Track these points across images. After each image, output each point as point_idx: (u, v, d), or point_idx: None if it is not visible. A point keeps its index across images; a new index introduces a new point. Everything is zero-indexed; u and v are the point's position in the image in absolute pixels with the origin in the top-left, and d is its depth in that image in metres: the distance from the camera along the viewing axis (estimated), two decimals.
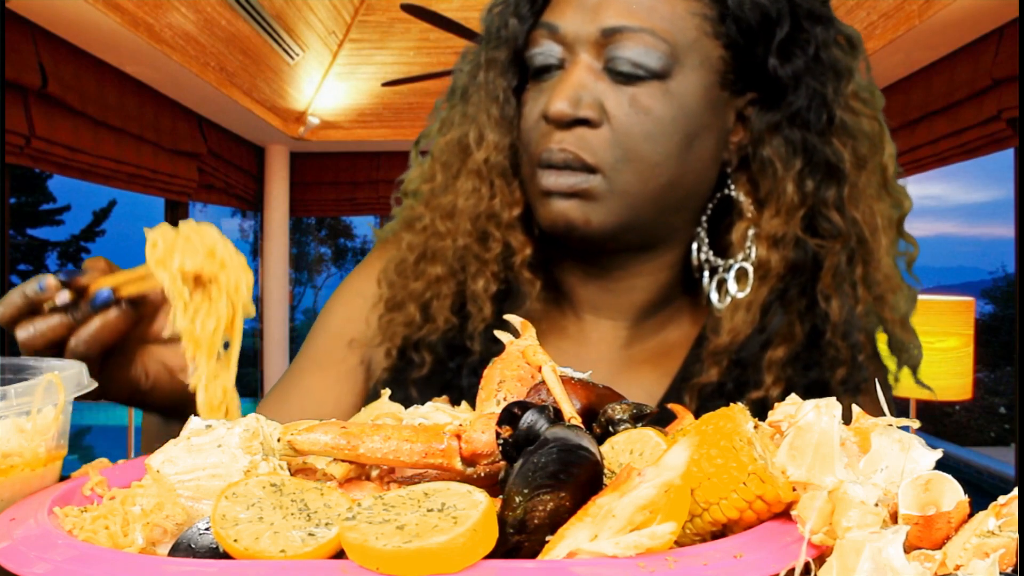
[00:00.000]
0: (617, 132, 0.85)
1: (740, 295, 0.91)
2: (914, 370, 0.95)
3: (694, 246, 0.95)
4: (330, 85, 5.79)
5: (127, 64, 3.81)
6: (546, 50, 0.89)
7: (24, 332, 0.76)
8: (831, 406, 0.50)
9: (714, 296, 0.93)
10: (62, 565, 0.45)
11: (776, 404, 0.55)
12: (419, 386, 0.95)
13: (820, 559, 0.45)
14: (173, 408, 0.86)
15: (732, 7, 0.87)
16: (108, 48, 3.55)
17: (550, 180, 0.86)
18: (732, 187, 0.93)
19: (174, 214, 5.21)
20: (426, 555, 0.41)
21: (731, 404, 0.86)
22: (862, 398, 0.90)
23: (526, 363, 0.60)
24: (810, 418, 0.49)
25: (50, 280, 0.76)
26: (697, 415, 0.69)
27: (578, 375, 0.64)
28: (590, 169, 0.85)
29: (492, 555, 0.43)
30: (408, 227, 1.01)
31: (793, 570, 0.44)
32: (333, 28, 5.02)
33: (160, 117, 4.37)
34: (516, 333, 0.64)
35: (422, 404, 0.83)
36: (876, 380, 0.92)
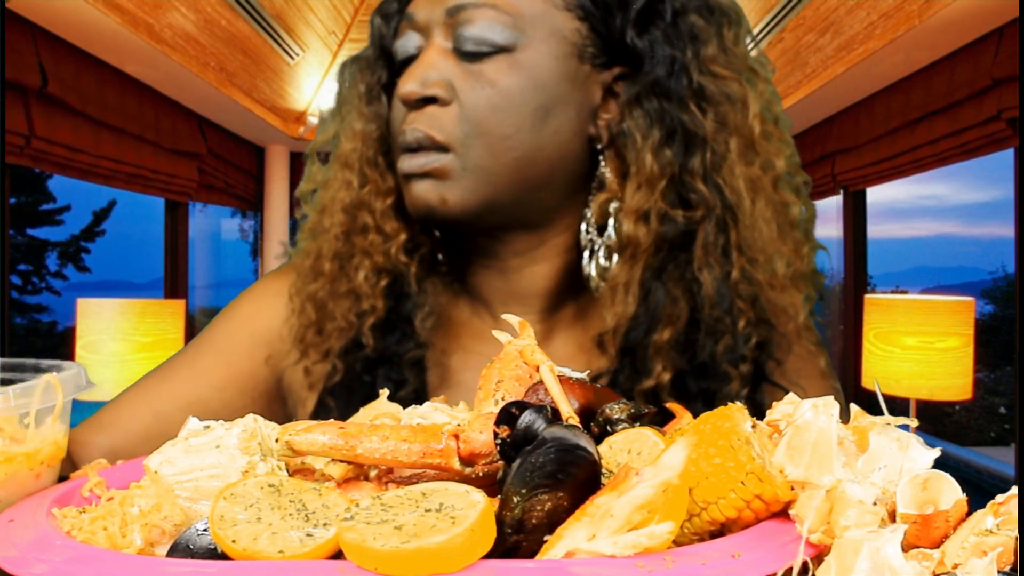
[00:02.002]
0: (465, 107, 0.86)
1: (609, 268, 0.90)
2: (797, 333, 0.92)
3: (583, 228, 0.94)
4: (330, 85, 5.78)
5: (127, 64, 3.81)
6: (406, 40, 0.91)
7: None
8: (829, 405, 0.50)
9: (592, 273, 0.92)
10: (60, 566, 0.45)
11: (775, 404, 0.55)
12: (335, 395, 0.93)
13: (818, 558, 0.45)
14: None
15: None
16: (108, 48, 3.55)
17: (405, 163, 0.87)
18: (603, 164, 0.93)
19: (174, 214, 5.20)
20: (424, 555, 0.41)
21: (623, 393, 0.85)
22: (774, 367, 0.90)
23: (524, 363, 0.60)
24: (808, 417, 0.49)
25: None
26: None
27: (576, 375, 0.64)
28: (441, 148, 0.86)
29: (490, 555, 0.43)
30: (302, 233, 1.02)
31: (791, 569, 0.44)
32: (333, 28, 5.02)
33: (160, 117, 4.36)
34: (515, 333, 0.64)
35: (340, 415, 0.82)
36: (790, 348, 0.89)
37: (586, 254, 0.93)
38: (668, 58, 0.89)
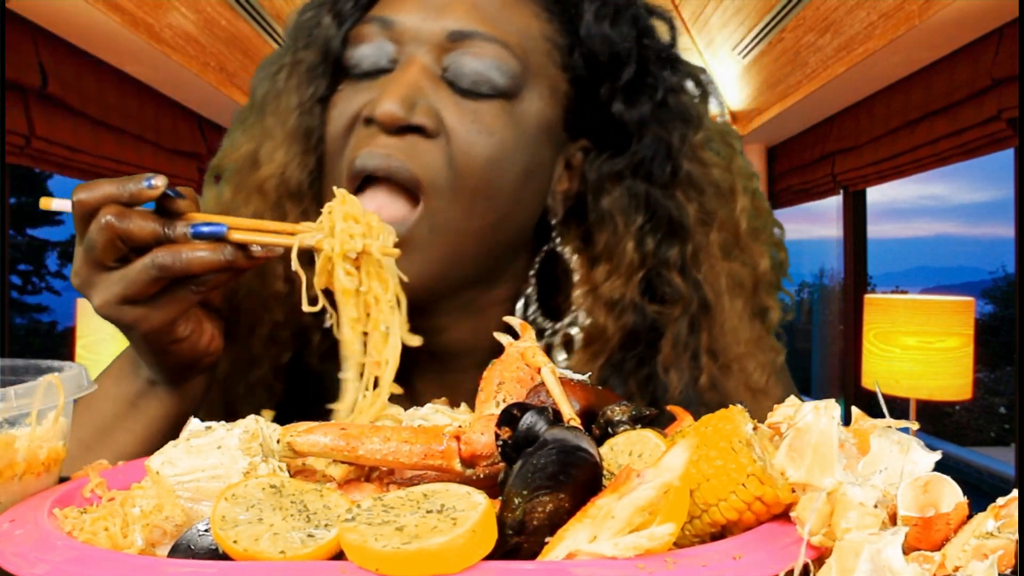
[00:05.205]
0: (457, 149, 0.75)
1: (566, 362, 0.82)
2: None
3: (519, 305, 0.86)
4: None
5: (127, 64, 3.81)
6: (377, 47, 0.78)
7: (115, 219, 0.66)
8: (830, 407, 0.50)
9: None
10: (61, 566, 0.45)
11: (776, 406, 0.55)
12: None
13: (819, 560, 0.45)
14: (177, 372, 0.76)
15: (583, 37, 0.80)
16: (108, 48, 3.54)
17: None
18: (558, 241, 0.84)
19: None
20: (425, 556, 0.41)
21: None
22: None
23: (525, 365, 0.60)
24: (809, 419, 0.49)
25: (161, 180, 0.67)
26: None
27: (577, 377, 0.64)
28: (414, 187, 0.75)
29: (491, 556, 0.43)
30: None
31: (792, 571, 0.44)
32: None
33: (160, 117, 4.36)
34: (516, 335, 0.64)
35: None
36: None
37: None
38: (656, 137, 0.82)
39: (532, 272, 0.86)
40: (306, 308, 0.73)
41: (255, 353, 0.84)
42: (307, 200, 0.83)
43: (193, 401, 0.76)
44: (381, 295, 0.72)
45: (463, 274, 0.80)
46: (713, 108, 0.90)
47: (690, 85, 0.87)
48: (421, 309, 0.81)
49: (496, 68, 0.75)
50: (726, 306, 0.82)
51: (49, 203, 0.73)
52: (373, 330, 0.72)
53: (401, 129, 0.75)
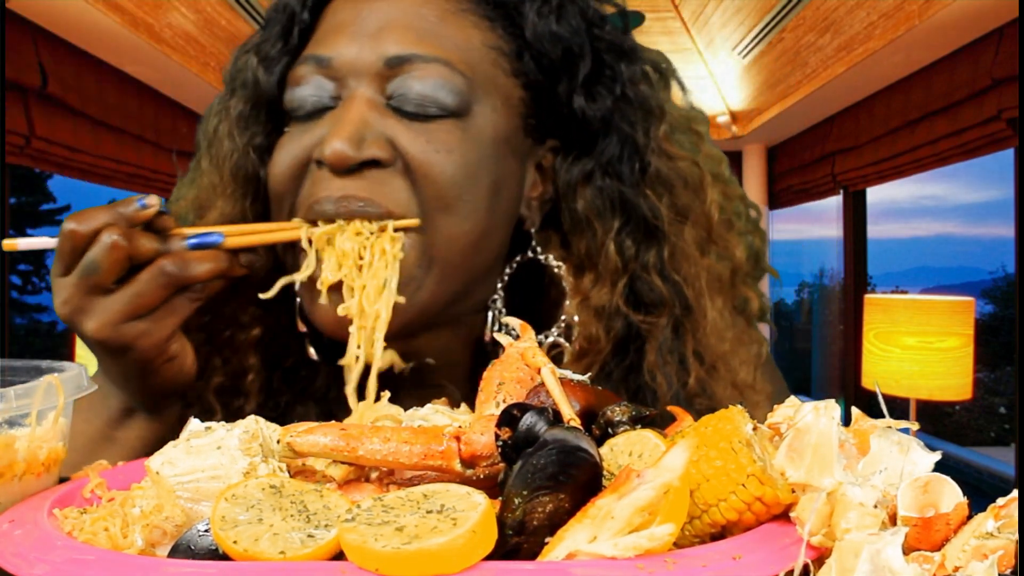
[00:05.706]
0: (416, 172, 0.73)
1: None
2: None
3: (489, 317, 0.83)
4: None
5: (127, 64, 3.81)
6: (316, 86, 0.76)
7: (121, 238, 0.67)
8: (830, 408, 0.50)
9: None
10: (61, 566, 0.45)
11: (775, 407, 0.55)
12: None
13: (819, 561, 0.45)
14: (160, 396, 0.78)
15: (531, 40, 0.78)
16: (108, 48, 3.55)
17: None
18: (539, 250, 0.82)
19: None
20: (425, 556, 0.41)
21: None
22: None
23: (525, 365, 0.60)
24: (809, 420, 0.49)
25: (154, 199, 0.70)
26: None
27: (577, 377, 0.64)
28: (388, 219, 0.73)
29: (491, 556, 0.43)
30: None
31: (792, 572, 0.44)
32: None
33: (160, 117, 4.36)
34: (516, 335, 0.64)
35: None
36: None
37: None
38: (621, 133, 0.80)
39: (501, 285, 0.84)
40: (298, 278, 0.76)
41: (208, 403, 0.84)
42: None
43: (170, 428, 0.76)
44: (389, 248, 0.74)
45: (451, 299, 0.79)
46: (676, 91, 0.89)
47: (650, 72, 0.85)
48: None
49: (441, 87, 0.73)
50: (708, 305, 0.80)
51: (15, 244, 0.72)
52: (372, 278, 0.74)
53: (355, 168, 0.73)
